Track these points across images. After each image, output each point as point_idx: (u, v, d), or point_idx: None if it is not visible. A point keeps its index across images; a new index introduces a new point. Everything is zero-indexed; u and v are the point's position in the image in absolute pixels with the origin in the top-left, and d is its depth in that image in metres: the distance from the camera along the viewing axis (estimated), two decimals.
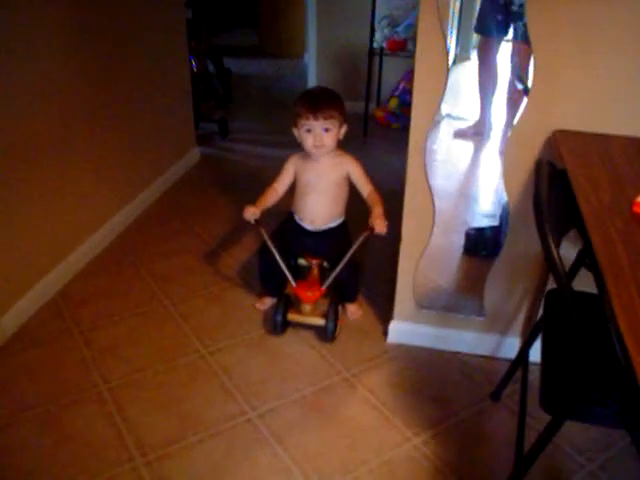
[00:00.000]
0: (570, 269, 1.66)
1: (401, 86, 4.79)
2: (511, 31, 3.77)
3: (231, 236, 3.13)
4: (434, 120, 1.98)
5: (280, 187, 2.37)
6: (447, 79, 1.89)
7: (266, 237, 2.28)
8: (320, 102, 2.17)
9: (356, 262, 2.32)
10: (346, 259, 2.24)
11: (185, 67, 3.89)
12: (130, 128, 3.18)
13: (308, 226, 2.40)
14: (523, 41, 3.76)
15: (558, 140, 1.81)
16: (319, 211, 2.36)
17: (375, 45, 4.34)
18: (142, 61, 3.25)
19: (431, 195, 2.09)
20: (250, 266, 2.81)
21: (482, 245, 2.97)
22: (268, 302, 2.55)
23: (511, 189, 2.03)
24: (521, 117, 1.92)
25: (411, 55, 4.35)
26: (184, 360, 2.25)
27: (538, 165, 1.58)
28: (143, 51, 3.26)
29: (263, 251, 2.36)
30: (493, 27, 3.66)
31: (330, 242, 2.40)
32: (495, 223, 3.22)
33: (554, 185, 1.48)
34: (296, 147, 2.32)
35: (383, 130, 4.74)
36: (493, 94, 4.02)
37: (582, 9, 1.70)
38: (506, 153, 1.99)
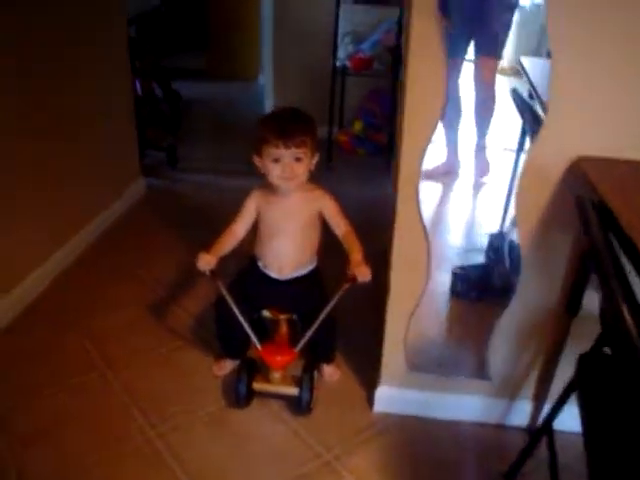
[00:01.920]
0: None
1: (365, 107, 4.46)
2: (471, 47, 3.49)
3: (182, 283, 2.70)
4: (428, 146, 1.61)
5: (240, 229, 1.98)
6: (446, 98, 1.53)
7: (224, 291, 1.87)
8: (291, 127, 1.79)
9: (332, 316, 1.93)
10: (322, 316, 1.85)
11: (128, 88, 3.47)
12: (63, 157, 2.75)
13: (275, 274, 2.00)
14: (487, 55, 3.49)
15: (586, 169, 1.47)
16: (287, 257, 1.97)
17: (338, 64, 3.99)
18: (77, 80, 2.82)
19: (425, 237, 1.72)
20: (205, 319, 2.39)
21: (471, 285, 2.62)
22: (228, 366, 2.14)
23: (524, 230, 1.68)
24: (536, 144, 1.57)
25: (378, 74, 4.03)
26: (129, 446, 1.81)
27: (580, 205, 1.23)
28: (79, 69, 2.83)
29: (220, 305, 1.95)
30: (456, 45, 3.35)
31: (301, 293, 2.01)
32: (481, 259, 2.90)
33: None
34: (253, 176, 1.93)
35: (348, 156, 4.37)
36: (458, 124, 3.72)
37: (609, 18, 1.39)
38: (519, 187, 1.63)
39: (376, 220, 3.20)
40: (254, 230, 2.00)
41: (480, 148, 3.72)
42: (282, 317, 2.02)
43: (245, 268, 2.07)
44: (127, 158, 3.51)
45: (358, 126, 4.44)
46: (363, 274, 1.79)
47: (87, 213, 3.02)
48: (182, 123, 4.78)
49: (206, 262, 1.86)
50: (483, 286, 2.60)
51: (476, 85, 3.54)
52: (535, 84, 2.35)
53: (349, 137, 4.41)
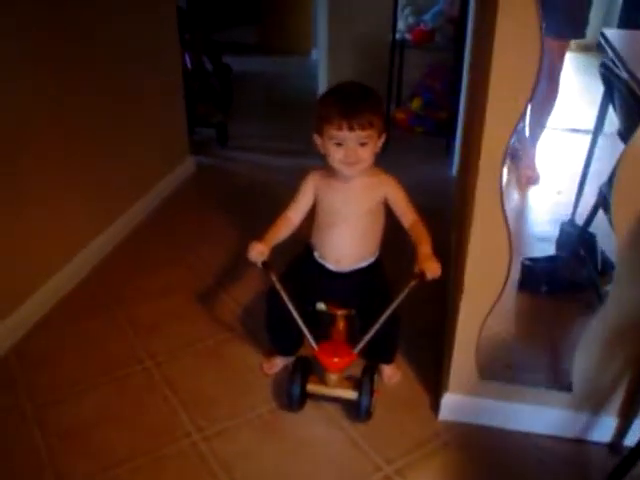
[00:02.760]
0: None
1: (425, 84, 4.21)
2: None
3: (232, 269, 2.54)
4: (517, 128, 1.39)
5: (295, 215, 1.80)
6: (540, 69, 1.31)
7: (278, 285, 1.70)
8: (357, 106, 1.60)
9: (396, 314, 1.74)
10: (387, 315, 1.66)
11: (177, 63, 3.32)
12: (109, 134, 2.61)
13: (332, 267, 1.83)
14: (556, 35, 3.11)
15: None
16: (347, 248, 1.79)
17: (397, 36, 3.75)
18: (122, 53, 2.68)
19: (507, 228, 1.51)
20: (255, 310, 2.23)
21: (542, 279, 2.39)
22: (279, 363, 1.98)
23: (622, 226, 1.45)
24: None
25: (439, 47, 3.78)
26: (172, 449, 1.68)
27: None
28: (126, 41, 2.68)
29: (272, 299, 1.78)
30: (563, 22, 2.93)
31: (361, 287, 1.83)
32: (552, 250, 2.66)
33: None
34: (309, 155, 1.76)
35: (405, 135, 4.13)
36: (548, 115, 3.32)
37: None
38: (617, 179, 1.41)
39: (437, 206, 2.99)
40: (311, 216, 1.82)
41: (532, 146, 3.38)
42: (340, 313, 1.85)
43: (300, 257, 1.90)
44: (176, 135, 3.38)
45: (417, 103, 4.20)
46: (433, 270, 1.60)
47: (134, 192, 2.90)
48: (233, 99, 4.61)
49: (258, 252, 1.69)
50: (555, 279, 2.38)
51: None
52: (625, 59, 2.10)
53: (407, 115, 4.18)
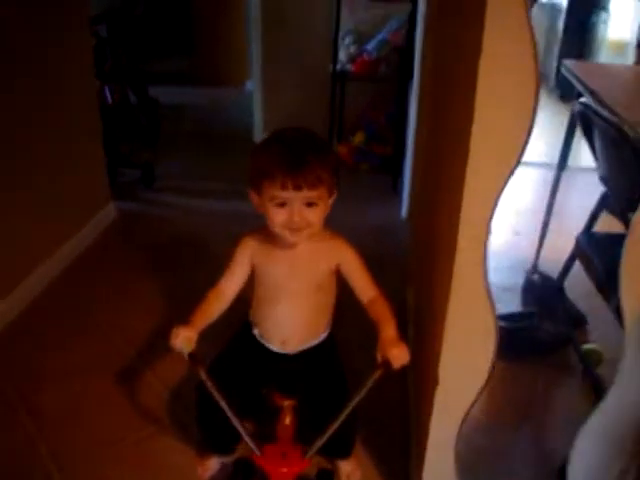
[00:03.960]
0: None
1: (367, 116, 3.97)
2: None
3: (158, 341, 2.17)
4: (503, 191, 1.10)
5: (230, 288, 1.47)
6: (536, 111, 1.02)
7: (209, 383, 1.35)
8: (306, 160, 1.29)
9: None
10: (344, 415, 1.33)
11: (92, 97, 2.95)
12: (11, 183, 2.22)
13: (275, 348, 1.49)
14: None
15: None
16: (295, 328, 1.47)
17: (338, 67, 3.49)
18: (28, 89, 2.30)
19: (493, 311, 1.21)
20: (186, 394, 1.86)
21: (518, 340, 2.11)
22: (215, 465, 1.63)
23: (632, 303, 1.18)
24: None
25: (384, 78, 3.53)
26: None
27: None
28: (30, 73, 2.31)
29: (204, 391, 1.42)
30: None
31: (312, 371, 1.50)
32: (516, 301, 2.43)
33: None
34: (246, 198, 1.39)
35: (349, 172, 3.82)
36: None
37: None
38: (627, 250, 1.14)
39: (386, 252, 2.72)
40: (251, 284, 1.49)
41: None
42: (287, 404, 1.50)
43: (237, 336, 1.56)
44: (94, 179, 2.99)
45: (359, 138, 3.93)
46: (399, 357, 1.29)
47: (42, 250, 2.50)
48: (161, 135, 4.25)
49: (185, 340, 1.35)
50: (531, 340, 2.12)
51: None
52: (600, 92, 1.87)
53: (350, 150, 3.90)
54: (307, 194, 1.27)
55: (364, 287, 1.42)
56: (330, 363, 1.52)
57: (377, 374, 1.30)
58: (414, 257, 2.39)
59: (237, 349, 1.54)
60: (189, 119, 5.08)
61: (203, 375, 1.33)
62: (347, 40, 3.57)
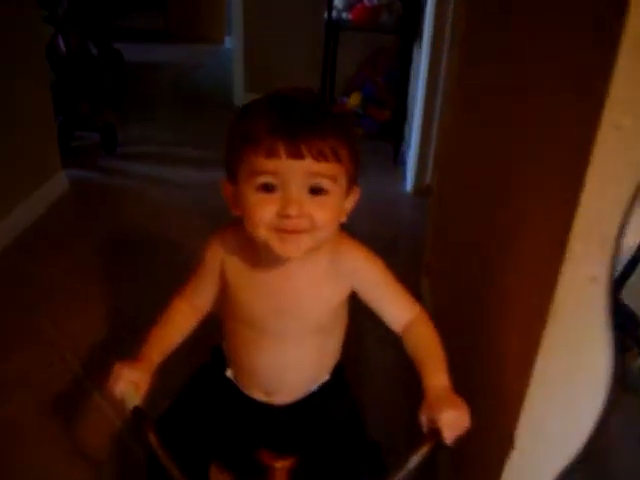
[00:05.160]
0: None
1: (364, 75, 3.49)
2: None
3: (109, 348, 1.71)
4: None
5: (198, 303, 1.03)
6: None
7: (160, 451, 0.88)
8: (312, 120, 0.82)
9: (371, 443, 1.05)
10: None
11: (34, 43, 2.42)
12: None
13: (260, 399, 1.03)
14: None
15: None
16: (282, 380, 1.02)
17: (334, 15, 3.00)
18: None
19: (610, 345, 0.77)
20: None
21: None
22: None
23: None
24: None
25: (385, 29, 3.05)
26: None
27: None
28: None
29: (156, 465, 0.95)
30: None
31: (312, 422, 1.04)
32: None
33: None
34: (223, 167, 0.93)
35: None
36: None
37: None
38: None
39: (389, 233, 2.27)
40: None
41: None
42: (279, 465, 1.05)
43: (204, 371, 1.10)
44: (38, 144, 2.48)
45: (355, 99, 3.45)
46: (456, 425, 0.83)
47: None
48: (128, 95, 3.73)
49: (129, 386, 0.89)
50: None
51: None
52: None
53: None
54: (312, 167, 0.80)
55: (397, 311, 0.96)
56: (338, 409, 1.06)
57: (423, 450, 0.84)
58: (434, 243, 1.94)
59: (204, 391, 1.07)
60: (161, 79, 4.53)
61: (154, 442, 0.86)
62: None
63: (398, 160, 3.13)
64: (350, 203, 0.90)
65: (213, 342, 1.08)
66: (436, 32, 2.46)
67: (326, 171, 0.81)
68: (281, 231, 0.82)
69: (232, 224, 0.95)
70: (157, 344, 0.96)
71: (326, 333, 0.98)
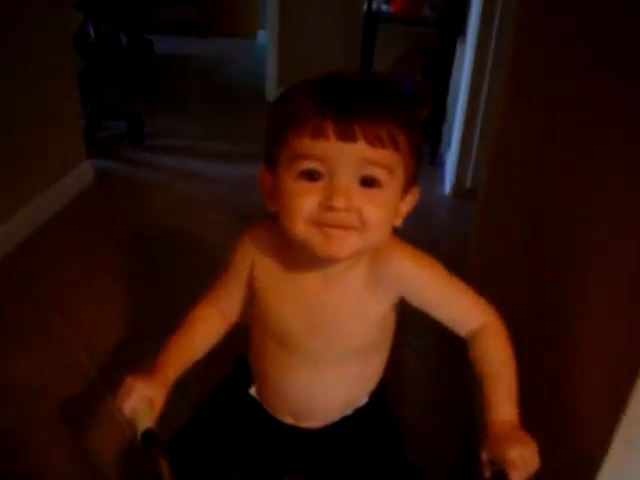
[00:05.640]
0: None
1: (401, 71, 3.35)
2: None
3: (127, 346, 1.60)
4: None
5: (225, 310, 0.92)
6: None
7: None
8: (369, 99, 0.70)
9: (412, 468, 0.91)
10: None
11: (64, 30, 2.34)
12: None
13: (287, 421, 0.91)
14: None
15: None
16: (315, 405, 0.89)
17: (374, 7, 2.88)
18: None
19: None
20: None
21: None
22: None
23: None
24: None
25: (427, 23, 2.92)
26: None
27: None
28: None
29: None
30: None
31: (347, 448, 0.91)
32: None
33: None
34: (258, 161, 0.81)
35: None
36: None
37: None
38: None
39: (426, 237, 2.12)
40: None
41: None
42: None
43: (225, 386, 0.99)
44: (64, 131, 2.39)
45: None
46: (524, 465, 0.70)
47: None
48: (159, 87, 3.64)
49: (141, 404, 0.78)
50: None
51: None
52: None
53: None
54: (365, 152, 0.68)
55: (461, 318, 0.83)
56: (377, 432, 0.94)
57: None
58: (477, 257, 1.79)
59: (225, 408, 0.95)
60: (192, 72, 4.44)
61: (165, 471, 0.74)
62: None
63: (436, 161, 2.98)
64: (407, 205, 0.78)
65: (237, 352, 0.97)
66: (483, 28, 2.32)
67: (382, 159, 0.69)
68: (323, 225, 0.69)
69: (266, 220, 0.83)
70: (176, 355, 0.85)
71: (369, 354, 0.85)
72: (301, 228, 0.70)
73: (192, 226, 2.23)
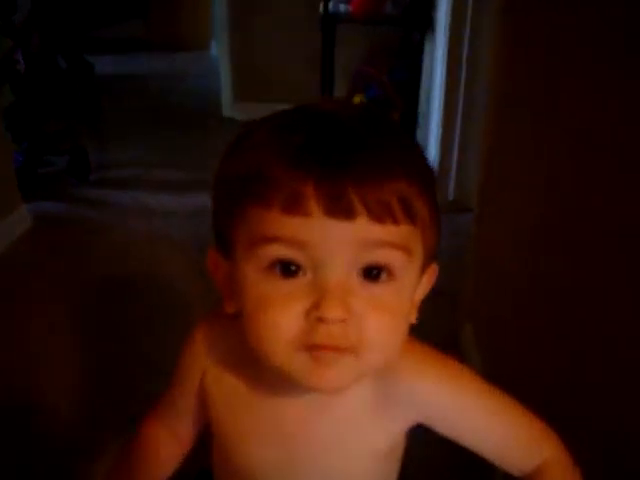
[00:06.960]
0: None
1: (365, 74, 3.13)
2: None
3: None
4: None
5: (176, 427, 0.66)
6: None
7: None
8: (361, 145, 0.44)
9: None
10: None
11: None
12: None
13: None
14: None
15: None
16: None
17: (331, 7, 2.65)
18: None
19: None
20: None
21: None
22: None
23: None
24: None
25: (391, 22, 2.70)
26: None
27: None
28: None
29: None
30: None
31: None
32: None
33: None
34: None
35: None
36: None
37: None
38: None
39: None
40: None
41: None
42: None
43: None
44: None
45: (357, 102, 3.08)
46: None
47: None
48: (102, 110, 3.35)
49: None
50: None
51: None
52: None
53: None
54: (369, 232, 0.43)
55: (511, 455, 0.59)
56: None
57: None
58: (480, 280, 1.55)
59: None
60: (143, 92, 4.11)
61: None
62: None
63: None
64: (423, 289, 0.53)
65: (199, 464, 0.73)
66: (454, 21, 2.11)
67: (394, 238, 0.44)
68: (313, 348, 0.45)
69: (210, 316, 0.61)
70: None
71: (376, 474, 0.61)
72: (281, 355, 0.46)
73: (145, 267, 1.98)
